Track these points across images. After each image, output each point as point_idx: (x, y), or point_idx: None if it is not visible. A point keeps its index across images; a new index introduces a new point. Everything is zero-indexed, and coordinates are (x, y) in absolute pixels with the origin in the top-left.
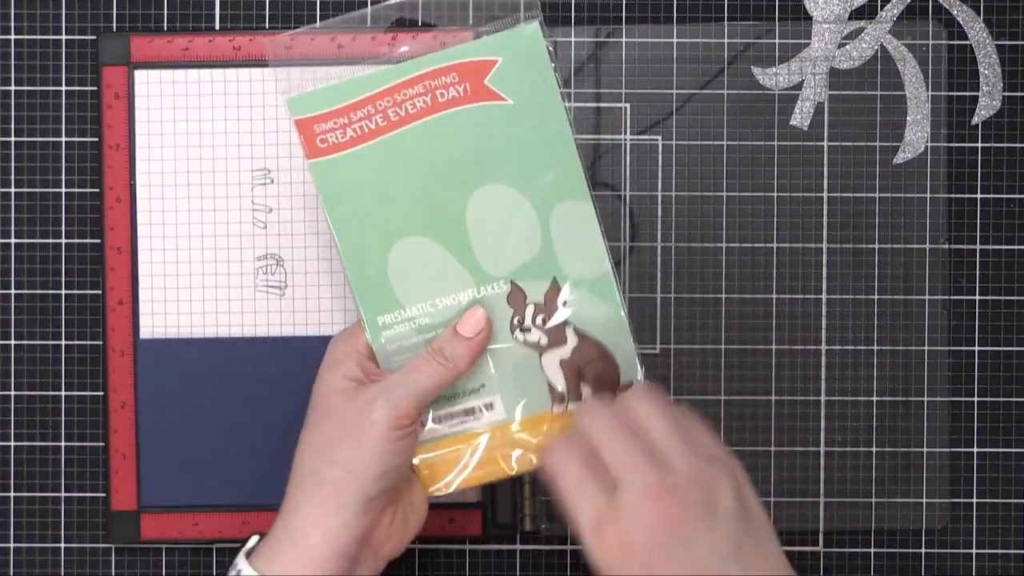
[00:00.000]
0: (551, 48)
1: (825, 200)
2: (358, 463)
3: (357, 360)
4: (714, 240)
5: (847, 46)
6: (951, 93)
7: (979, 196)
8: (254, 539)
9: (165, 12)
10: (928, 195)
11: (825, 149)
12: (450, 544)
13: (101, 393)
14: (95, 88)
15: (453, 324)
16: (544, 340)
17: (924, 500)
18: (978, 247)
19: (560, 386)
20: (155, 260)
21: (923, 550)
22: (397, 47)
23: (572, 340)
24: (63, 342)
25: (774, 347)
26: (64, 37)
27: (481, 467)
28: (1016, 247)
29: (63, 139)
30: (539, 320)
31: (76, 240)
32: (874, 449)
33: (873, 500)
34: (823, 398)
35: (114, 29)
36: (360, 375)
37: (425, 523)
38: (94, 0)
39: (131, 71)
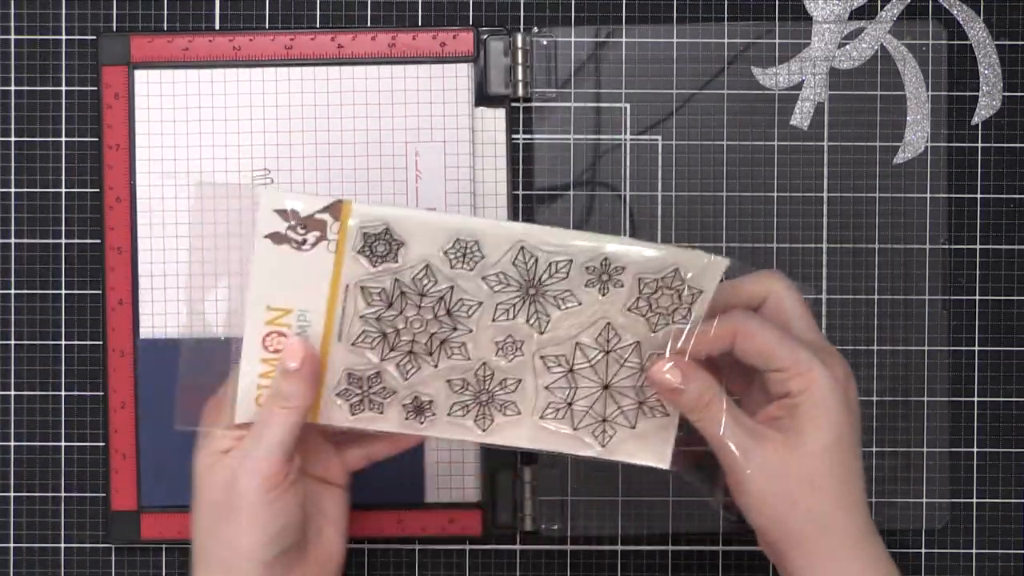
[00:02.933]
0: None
1: (825, 200)
2: (242, 538)
3: (222, 432)
4: (714, 240)
5: (847, 46)
6: (951, 93)
7: (979, 196)
8: None
9: (165, 12)
10: (928, 195)
11: (825, 149)
12: (450, 544)
13: (101, 393)
14: (95, 88)
15: (280, 362)
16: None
17: (924, 500)
18: (978, 247)
19: None
20: (155, 260)
21: (923, 550)
22: (399, 48)
23: None
24: (63, 342)
25: None
26: (64, 37)
27: None
28: (1016, 247)
29: (63, 139)
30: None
31: (76, 240)
32: (874, 449)
33: (873, 500)
34: None
35: (114, 29)
36: (229, 444)
37: (425, 523)
38: (94, 0)
39: (131, 71)
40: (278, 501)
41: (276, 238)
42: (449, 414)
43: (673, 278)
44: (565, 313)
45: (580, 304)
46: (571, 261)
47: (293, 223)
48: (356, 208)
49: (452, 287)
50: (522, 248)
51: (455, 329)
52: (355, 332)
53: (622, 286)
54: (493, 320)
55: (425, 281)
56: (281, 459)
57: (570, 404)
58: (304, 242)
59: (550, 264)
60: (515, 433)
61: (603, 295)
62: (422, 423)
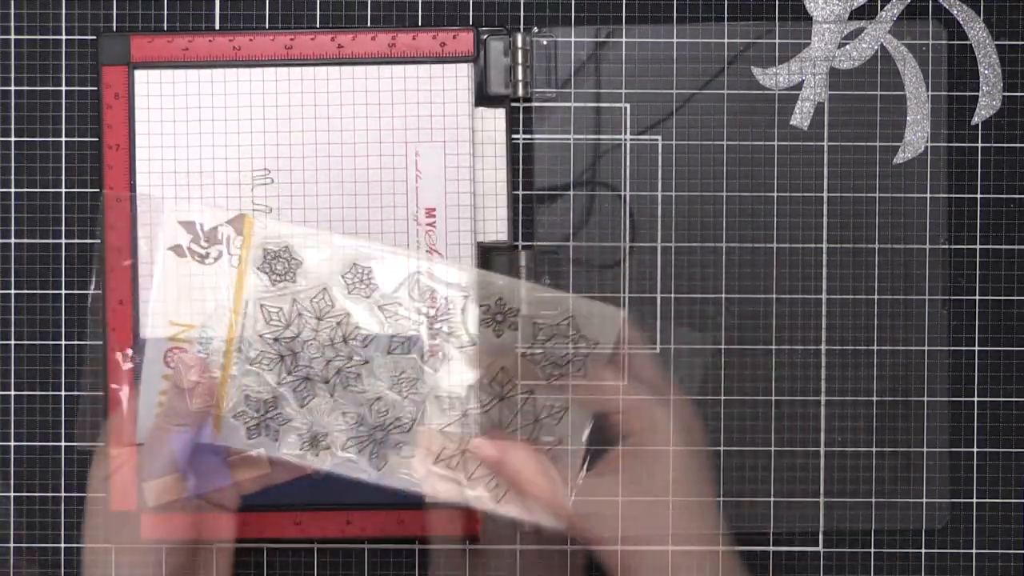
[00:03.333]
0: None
1: (825, 200)
2: (135, 564)
3: (117, 451)
4: (714, 240)
5: (847, 46)
6: (951, 93)
7: (979, 196)
8: None
9: (165, 12)
10: (928, 195)
11: (825, 149)
12: (450, 544)
13: (101, 393)
14: (95, 88)
15: (174, 380)
16: None
17: (924, 500)
18: (978, 247)
19: None
20: (155, 260)
21: (923, 550)
22: (399, 48)
23: None
24: (63, 342)
25: (774, 347)
26: (64, 37)
27: None
28: (1016, 247)
29: (63, 139)
30: None
31: (76, 240)
32: (874, 449)
33: (873, 500)
34: (823, 398)
35: (114, 29)
36: (123, 462)
37: (424, 523)
38: (94, 0)
39: (131, 71)
40: (169, 522)
41: (179, 251)
42: (343, 449)
43: (568, 326)
44: (460, 352)
45: (475, 344)
46: (467, 297)
47: (195, 236)
48: (258, 224)
49: (348, 314)
50: (418, 280)
51: (351, 358)
52: (254, 352)
53: (516, 328)
54: (388, 352)
55: (322, 304)
56: (173, 479)
57: (464, 452)
58: (207, 255)
59: (446, 298)
60: (408, 477)
61: (498, 336)
62: (316, 455)
